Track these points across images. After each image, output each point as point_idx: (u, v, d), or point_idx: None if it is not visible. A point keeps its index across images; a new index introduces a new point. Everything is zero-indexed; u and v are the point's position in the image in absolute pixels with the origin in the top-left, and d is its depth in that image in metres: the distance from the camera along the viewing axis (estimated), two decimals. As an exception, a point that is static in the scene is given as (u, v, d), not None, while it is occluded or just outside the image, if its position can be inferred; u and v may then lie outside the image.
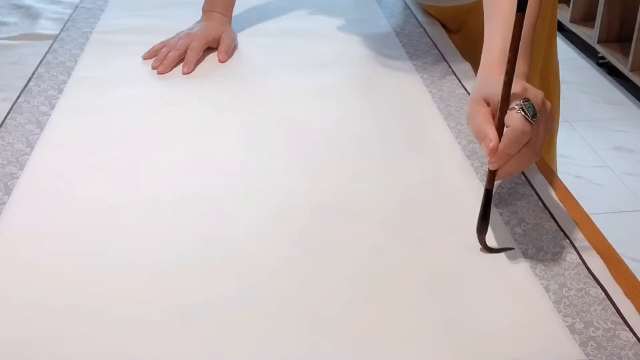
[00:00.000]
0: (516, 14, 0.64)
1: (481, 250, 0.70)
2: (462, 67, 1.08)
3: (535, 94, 0.68)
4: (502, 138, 0.66)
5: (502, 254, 0.70)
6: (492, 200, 0.70)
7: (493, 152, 0.66)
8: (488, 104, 0.69)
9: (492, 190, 0.69)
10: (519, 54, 0.71)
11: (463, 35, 1.21)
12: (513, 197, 0.78)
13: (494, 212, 0.76)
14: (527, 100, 0.66)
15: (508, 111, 0.66)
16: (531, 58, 1.15)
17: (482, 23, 1.12)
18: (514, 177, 0.68)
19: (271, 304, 0.64)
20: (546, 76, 1.20)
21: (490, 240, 0.72)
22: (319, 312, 0.64)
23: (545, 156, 1.00)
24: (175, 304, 0.64)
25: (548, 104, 0.69)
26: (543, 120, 0.67)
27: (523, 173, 0.82)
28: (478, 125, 0.68)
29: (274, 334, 0.61)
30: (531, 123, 0.65)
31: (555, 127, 1.25)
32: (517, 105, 0.66)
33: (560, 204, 0.77)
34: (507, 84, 0.66)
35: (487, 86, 0.70)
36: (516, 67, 0.70)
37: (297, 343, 0.60)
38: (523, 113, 0.65)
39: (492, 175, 0.68)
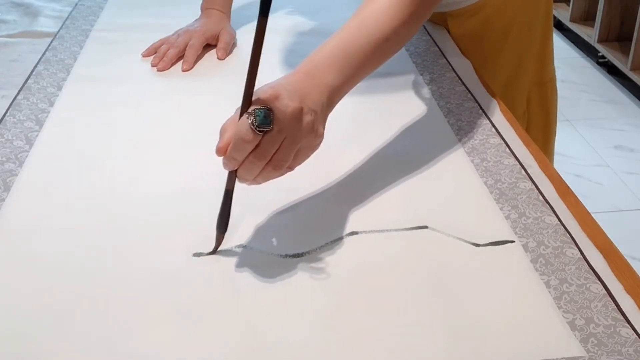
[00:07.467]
0: (258, 17, 0.61)
1: (209, 253, 0.69)
2: (462, 64, 1.08)
3: (286, 105, 0.63)
4: None
5: (502, 249, 0.70)
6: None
7: (219, 151, 0.64)
8: None
9: (231, 190, 0.67)
10: (330, 63, 0.69)
11: (464, 39, 1.19)
12: (513, 191, 0.78)
13: (494, 206, 0.76)
14: (264, 108, 0.62)
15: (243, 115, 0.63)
16: (521, 65, 1.12)
17: (482, 28, 1.12)
18: (258, 183, 0.66)
19: (272, 302, 0.64)
20: (543, 83, 1.17)
21: (491, 235, 0.71)
22: (320, 310, 0.64)
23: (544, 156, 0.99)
24: (175, 300, 0.64)
25: (307, 120, 0.65)
26: (289, 134, 0.64)
27: (524, 169, 0.82)
28: (224, 124, 0.65)
29: (274, 333, 0.61)
30: (255, 132, 0.62)
31: (553, 131, 1.22)
32: (250, 110, 0.63)
33: (560, 200, 0.77)
34: (247, 87, 0.64)
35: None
36: (321, 78, 0.68)
37: (297, 341, 0.60)
38: (250, 120, 0.62)
39: (231, 175, 0.67)
